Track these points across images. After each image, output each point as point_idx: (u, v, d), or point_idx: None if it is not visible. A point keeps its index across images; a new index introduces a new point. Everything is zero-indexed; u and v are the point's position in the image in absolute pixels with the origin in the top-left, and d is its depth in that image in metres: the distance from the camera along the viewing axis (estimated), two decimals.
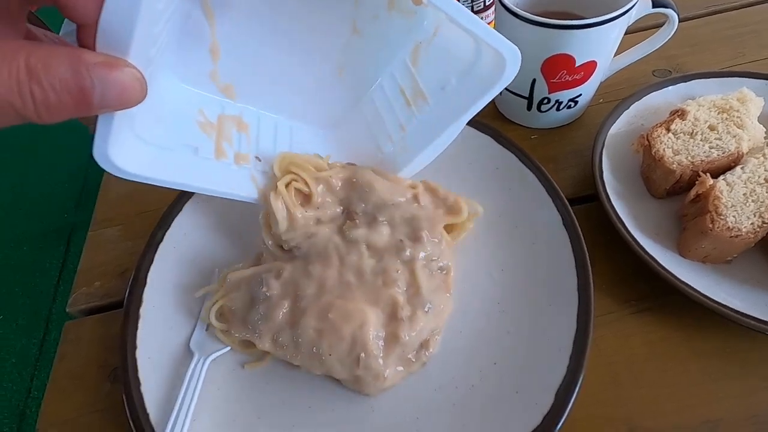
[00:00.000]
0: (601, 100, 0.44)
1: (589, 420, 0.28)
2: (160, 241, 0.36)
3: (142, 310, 0.33)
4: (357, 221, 0.33)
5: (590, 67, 0.36)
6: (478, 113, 0.34)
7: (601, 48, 0.35)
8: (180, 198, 0.38)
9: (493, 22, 0.49)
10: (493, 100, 0.45)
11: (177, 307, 0.34)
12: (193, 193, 0.39)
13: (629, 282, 0.33)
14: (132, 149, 0.26)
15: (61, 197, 1.62)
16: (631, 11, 0.33)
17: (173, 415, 0.28)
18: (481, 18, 0.47)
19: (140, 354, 0.31)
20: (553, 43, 0.34)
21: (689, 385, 0.29)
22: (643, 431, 0.27)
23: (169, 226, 0.37)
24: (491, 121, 0.43)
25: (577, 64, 0.35)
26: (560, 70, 0.36)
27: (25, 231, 1.56)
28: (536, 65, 0.36)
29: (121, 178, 0.46)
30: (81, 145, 1.80)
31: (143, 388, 0.30)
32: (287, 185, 0.33)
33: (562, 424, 0.25)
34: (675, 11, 0.35)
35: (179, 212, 0.38)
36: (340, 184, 0.34)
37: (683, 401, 0.28)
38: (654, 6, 0.34)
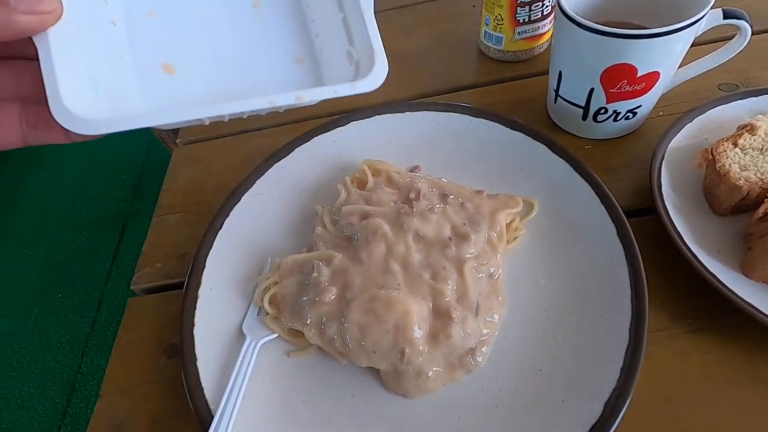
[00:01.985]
0: (661, 113, 0.42)
1: None
2: (219, 228, 0.38)
3: (200, 291, 0.35)
4: (414, 209, 0.34)
5: (653, 78, 0.35)
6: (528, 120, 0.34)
7: (665, 59, 0.34)
8: (238, 190, 0.41)
9: (549, 32, 0.49)
10: (546, 107, 0.45)
11: (231, 290, 0.36)
12: (251, 185, 0.41)
13: (686, 299, 0.32)
14: (90, 92, 0.20)
15: (118, 188, 1.73)
16: (700, 22, 0.32)
17: (226, 392, 0.30)
18: (539, 27, 0.47)
19: (197, 332, 0.33)
20: (615, 52, 0.33)
21: (746, 410, 0.27)
22: None
23: (228, 215, 0.39)
24: (542, 130, 0.43)
25: (638, 75, 0.34)
26: (621, 80, 0.35)
27: (86, 217, 1.67)
28: (595, 74, 0.36)
29: (184, 170, 0.50)
30: (139, 141, 1.92)
31: (199, 364, 0.31)
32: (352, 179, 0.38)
33: None
34: (748, 23, 0.33)
35: (237, 203, 0.40)
36: (402, 181, 0.36)
37: (739, 427, 0.27)
38: (725, 17, 0.33)
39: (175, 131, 1.39)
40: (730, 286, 0.29)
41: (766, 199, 0.30)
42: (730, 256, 0.32)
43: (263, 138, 0.51)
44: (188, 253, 0.42)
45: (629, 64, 0.34)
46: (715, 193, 0.33)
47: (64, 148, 1.90)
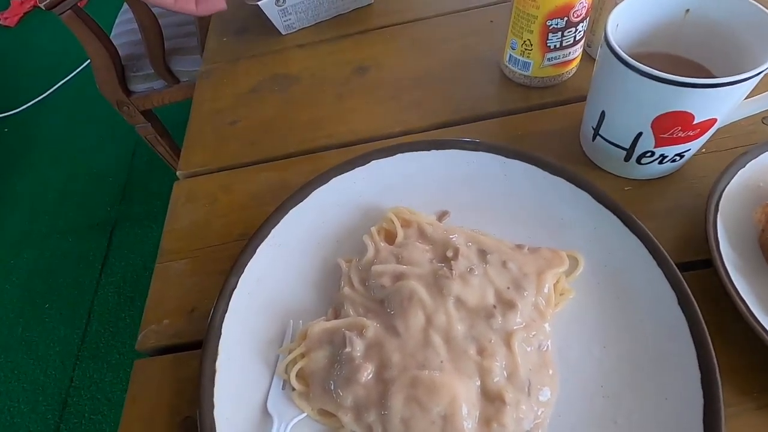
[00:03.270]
0: (704, 150, 0.40)
1: None
2: (234, 287, 0.35)
3: (218, 364, 0.32)
4: (453, 270, 0.31)
5: (709, 124, 0.32)
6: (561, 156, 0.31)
7: (726, 105, 0.31)
8: (253, 241, 0.37)
9: (578, 57, 0.45)
10: (581, 144, 0.42)
11: (252, 360, 0.33)
12: (265, 237, 0.37)
13: (751, 370, 0.30)
14: None
15: (105, 192, 1.67)
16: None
17: None
18: (569, 53, 0.44)
19: (218, 413, 0.30)
20: (672, 100, 0.31)
21: None
22: None
23: (243, 272, 0.36)
24: (577, 167, 0.40)
25: (695, 122, 0.32)
26: (674, 126, 0.32)
27: (72, 223, 1.61)
28: (646, 120, 0.33)
29: (186, 207, 0.46)
30: (124, 142, 1.86)
31: None
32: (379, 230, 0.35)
33: None
34: None
35: (252, 256, 0.37)
36: (436, 235, 0.32)
37: None
38: None
39: (162, 135, 1.32)
40: None
41: None
42: None
43: (269, 172, 0.47)
44: (197, 308, 0.39)
45: (686, 112, 0.31)
46: None
47: (46, 153, 1.82)
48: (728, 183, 0.34)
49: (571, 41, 0.42)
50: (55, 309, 1.45)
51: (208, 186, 0.47)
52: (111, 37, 1.12)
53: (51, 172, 1.78)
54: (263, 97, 0.55)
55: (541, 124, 0.45)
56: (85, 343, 1.37)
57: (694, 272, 0.33)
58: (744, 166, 0.35)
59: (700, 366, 0.27)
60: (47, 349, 1.38)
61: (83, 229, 1.61)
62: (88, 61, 1.10)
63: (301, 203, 0.39)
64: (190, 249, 0.43)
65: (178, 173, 0.49)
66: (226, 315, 0.34)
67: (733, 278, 0.30)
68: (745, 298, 0.30)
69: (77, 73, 2.09)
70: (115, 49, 1.10)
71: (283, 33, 0.61)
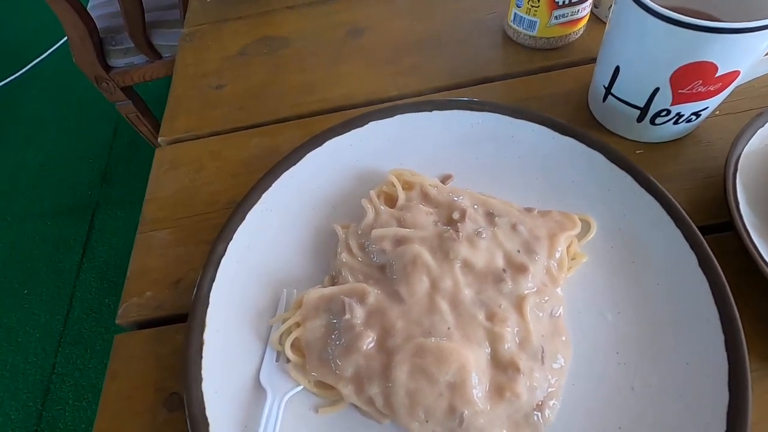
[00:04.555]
0: (717, 112, 0.38)
1: None
2: (223, 254, 0.32)
3: (205, 336, 0.29)
4: (459, 233, 0.29)
5: (731, 77, 0.30)
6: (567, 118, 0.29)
7: (750, 56, 0.29)
8: (242, 206, 0.34)
9: (587, 16, 0.43)
10: (589, 106, 0.40)
11: (243, 331, 0.31)
12: (256, 200, 0.35)
13: None
14: None
15: (85, 174, 1.61)
16: None
17: None
18: (578, 9, 0.41)
19: (207, 388, 0.28)
20: (696, 48, 0.28)
21: None
22: None
23: (232, 237, 0.33)
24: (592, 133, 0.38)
25: (717, 74, 0.30)
26: (695, 80, 0.30)
27: (50, 207, 1.55)
28: (666, 73, 0.31)
29: (169, 174, 0.43)
30: (105, 122, 1.79)
31: (212, 430, 0.26)
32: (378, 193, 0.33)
33: None
34: None
35: (242, 222, 0.34)
36: (441, 197, 0.30)
37: None
38: None
39: (144, 113, 1.27)
40: None
41: None
42: None
43: (261, 137, 0.44)
44: (183, 279, 0.36)
45: (710, 62, 0.29)
46: None
47: (22, 133, 1.75)
48: (747, 143, 0.32)
49: None
50: (35, 295, 1.40)
51: (194, 152, 0.44)
52: (88, 9, 1.07)
53: (28, 153, 1.71)
54: (251, 60, 0.51)
55: (547, 87, 0.43)
56: (67, 329, 1.33)
57: (712, 236, 0.32)
58: (763, 126, 0.33)
59: (723, 329, 0.25)
60: (27, 336, 1.33)
61: (63, 213, 1.56)
62: (66, 37, 1.05)
63: (293, 167, 0.36)
64: (174, 218, 0.40)
65: (160, 139, 0.46)
66: (214, 284, 0.31)
67: (754, 239, 0.29)
68: (766, 258, 0.28)
69: (54, 49, 2.00)
70: (93, 21, 1.05)
71: None
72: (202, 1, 0.60)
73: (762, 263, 0.28)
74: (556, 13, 0.41)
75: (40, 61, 1.98)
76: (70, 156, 1.67)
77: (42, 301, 1.38)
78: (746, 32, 0.27)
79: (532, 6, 0.41)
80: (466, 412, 0.24)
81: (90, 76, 1.13)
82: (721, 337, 0.25)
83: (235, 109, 0.47)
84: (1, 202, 1.60)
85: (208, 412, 0.27)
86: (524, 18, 0.43)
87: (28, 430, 1.17)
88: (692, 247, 0.28)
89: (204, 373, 0.28)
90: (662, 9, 0.28)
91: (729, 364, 0.24)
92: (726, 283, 0.26)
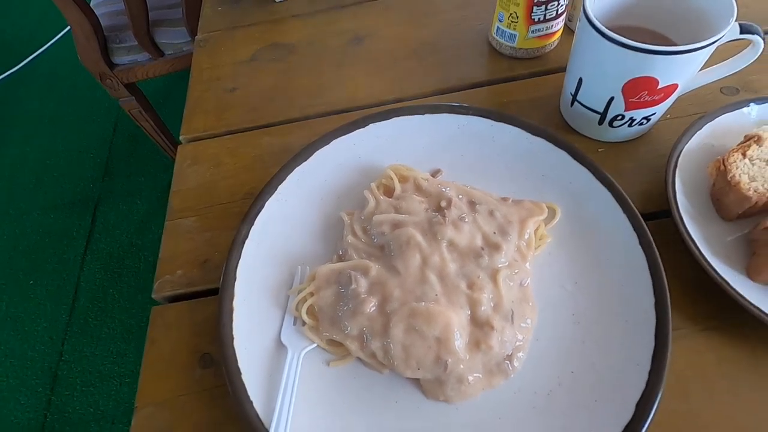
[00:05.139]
0: (669, 116, 0.44)
1: (662, 430, 0.30)
2: (246, 237, 0.38)
3: (234, 303, 0.35)
4: (446, 218, 0.35)
5: (671, 89, 0.37)
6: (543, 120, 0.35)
7: (686, 72, 0.35)
8: (261, 196, 0.40)
9: (560, 30, 0.49)
10: (561, 110, 0.46)
11: (265, 300, 0.36)
12: (273, 191, 0.40)
13: (698, 300, 0.35)
14: None
15: (87, 167, 1.64)
16: (722, 38, 0.33)
17: (278, 404, 0.31)
18: (552, 25, 0.47)
19: (238, 345, 0.33)
20: (640, 65, 0.35)
21: (759, 402, 0.31)
22: None
23: (253, 222, 0.39)
24: (556, 131, 0.44)
25: (659, 87, 0.36)
26: (641, 91, 0.36)
27: (53, 200, 1.59)
28: (618, 85, 0.37)
29: (192, 169, 0.48)
30: (105, 117, 1.81)
31: (244, 377, 0.32)
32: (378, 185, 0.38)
33: None
34: (762, 38, 0.35)
35: (261, 209, 0.40)
36: (431, 188, 0.36)
37: (752, 418, 0.30)
38: (741, 32, 0.35)
39: (146, 110, 1.31)
40: (737, 289, 0.32)
41: None
42: (736, 259, 0.35)
43: (271, 136, 0.50)
44: (210, 259, 0.42)
45: (652, 77, 0.35)
46: (724, 201, 0.36)
47: (23, 127, 1.77)
48: (687, 143, 0.39)
49: (554, 14, 0.46)
50: (41, 285, 1.44)
51: (213, 149, 0.50)
52: (92, 6, 1.10)
53: (29, 147, 1.73)
54: (262, 65, 0.57)
55: (525, 92, 0.49)
56: (73, 319, 1.37)
57: (656, 221, 0.38)
58: (701, 128, 0.39)
59: (654, 293, 0.32)
60: (34, 325, 1.37)
61: (65, 206, 1.59)
62: (68, 28, 1.08)
63: (304, 162, 0.42)
64: (198, 207, 0.46)
65: (181, 137, 0.52)
66: (240, 261, 0.37)
67: (686, 224, 0.35)
68: (696, 241, 0.35)
69: (53, 43, 2.01)
70: (97, 18, 1.08)
71: (277, 0, 0.62)
72: (213, 8, 0.65)
73: (690, 242, 0.34)
74: (533, 27, 0.47)
75: (39, 54, 1.99)
76: (71, 150, 1.70)
77: (48, 292, 1.42)
78: (679, 54, 0.33)
79: (512, 21, 0.47)
80: (450, 360, 0.31)
81: (94, 74, 1.16)
82: (652, 299, 0.31)
83: (247, 110, 0.53)
84: (4, 195, 1.63)
85: (240, 364, 0.33)
86: (505, 31, 0.49)
87: (38, 414, 1.21)
88: (634, 229, 0.34)
89: (234, 333, 0.34)
90: (613, 34, 0.34)
91: (656, 319, 0.31)
92: (659, 258, 0.33)
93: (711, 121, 0.40)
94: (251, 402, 0.31)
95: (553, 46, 0.51)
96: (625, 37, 0.34)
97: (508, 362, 0.32)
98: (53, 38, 2.00)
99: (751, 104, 0.40)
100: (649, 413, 0.28)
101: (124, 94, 1.23)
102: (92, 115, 1.78)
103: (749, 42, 0.36)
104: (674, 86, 0.36)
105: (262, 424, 0.30)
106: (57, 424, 1.18)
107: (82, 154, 1.69)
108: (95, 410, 1.17)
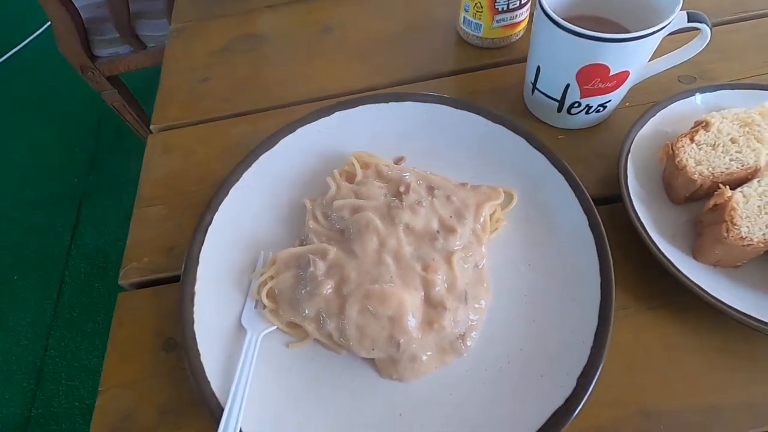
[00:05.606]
0: (627, 104, 0.45)
1: (606, 402, 0.31)
2: (209, 223, 0.39)
3: (196, 287, 0.36)
4: (403, 202, 0.36)
5: (623, 76, 0.38)
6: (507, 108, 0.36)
7: (635, 59, 0.36)
8: (225, 183, 0.41)
9: (525, 20, 0.50)
10: (524, 99, 0.47)
11: (227, 285, 0.37)
12: (238, 179, 0.41)
13: (646, 280, 0.36)
14: None
15: (72, 162, 1.63)
16: (669, 26, 0.34)
17: (234, 384, 0.31)
18: (516, 15, 0.48)
19: (198, 328, 0.34)
20: (591, 53, 0.35)
21: (697, 375, 0.32)
22: (654, 413, 0.31)
23: (217, 209, 0.40)
24: (520, 120, 0.45)
25: (611, 74, 0.37)
26: (594, 78, 0.37)
27: (37, 195, 1.58)
28: (572, 72, 0.38)
29: (162, 158, 0.48)
30: (89, 111, 1.80)
31: (203, 359, 0.33)
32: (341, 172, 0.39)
33: (583, 405, 0.28)
34: (709, 27, 0.36)
35: (225, 196, 0.40)
36: (391, 174, 0.37)
37: (691, 388, 0.32)
38: (689, 20, 0.36)
39: (130, 103, 1.30)
40: (682, 269, 0.33)
41: (715, 192, 0.34)
42: (683, 241, 0.36)
43: (242, 125, 0.51)
44: (176, 246, 0.43)
45: (603, 65, 0.36)
46: (673, 184, 0.37)
47: (7, 122, 1.76)
48: (640, 130, 0.40)
49: (518, 4, 0.47)
50: (25, 280, 1.43)
51: (184, 138, 0.50)
52: None
53: (12, 141, 1.72)
54: (235, 55, 0.57)
55: (492, 81, 0.50)
56: (57, 313, 1.37)
57: (609, 206, 0.39)
58: (654, 116, 0.40)
59: (600, 273, 0.33)
60: (18, 320, 1.37)
61: (50, 201, 1.58)
62: (49, 23, 1.07)
63: (270, 150, 0.42)
64: (167, 196, 0.46)
65: (152, 127, 0.52)
66: (203, 247, 0.38)
67: (636, 208, 0.36)
68: (645, 224, 0.36)
69: (36, 36, 1.98)
70: (77, 10, 1.07)
71: None
72: None
73: (638, 224, 0.35)
74: (498, 17, 0.48)
75: (21, 48, 1.97)
76: (55, 145, 1.69)
77: (32, 287, 1.41)
78: (627, 41, 0.34)
79: (477, 11, 0.48)
80: (403, 339, 0.32)
81: (75, 66, 1.16)
82: (598, 278, 0.32)
83: (220, 99, 0.53)
84: None
85: (199, 346, 0.33)
86: (471, 21, 0.49)
87: (23, 409, 1.21)
88: (584, 212, 0.35)
89: (195, 316, 0.35)
90: (565, 22, 0.35)
91: (600, 298, 0.32)
92: (605, 239, 0.34)
93: (664, 108, 0.41)
94: (208, 382, 0.32)
95: (519, 36, 0.52)
96: (579, 26, 0.35)
97: (461, 341, 0.33)
98: (36, 31, 1.97)
99: (697, 93, 0.41)
100: (589, 386, 0.29)
101: (106, 87, 1.22)
102: (77, 109, 1.76)
103: (699, 31, 0.37)
104: (625, 73, 0.37)
105: (219, 402, 0.31)
106: (42, 419, 1.18)
107: (66, 148, 1.68)
108: (80, 404, 1.17)
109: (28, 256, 1.47)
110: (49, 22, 1.88)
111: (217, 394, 0.31)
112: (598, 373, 0.29)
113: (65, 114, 1.75)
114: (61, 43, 1.10)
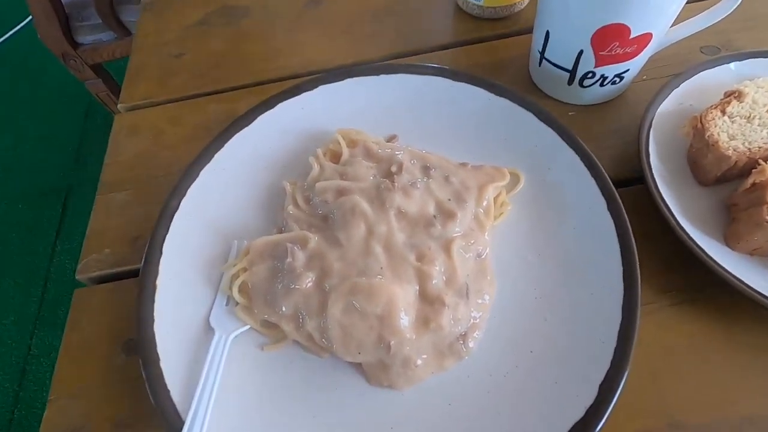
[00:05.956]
0: (645, 77, 0.41)
1: (628, 413, 0.27)
2: (176, 209, 0.34)
3: (158, 281, 0.31)
4: (395, 184, 0.31)
5: (645, 39, 0.33)
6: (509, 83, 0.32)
7: (659, 19, 0.32)
8: (195, 164, 0.36)
9: None
10: (530, 72, 0.43)
11: (194, 279, 0.33)
12: (209, 160, 0.36)
13: (670, 272, 0.32)
14: None
15: (57, 156, 1.58)
16: None
17: (197, 394, 0.27)
18: None
19: (158, 328, 0.30)
20: (610, 11, 0.31)
21: (730, 380, 0.28)
22: (683, 425, 0.27)
23: (185, 194, 0.35)
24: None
25: (631, 36, 0.32)
26: (613, 41, 0.33)
27: (22, 190, 1.53)
28: (586, 35, 0.33)
29: (129, 140, 0.44)
30: (76, 104, 1.75)
31: (163, 364, 0.28)
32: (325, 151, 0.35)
33: (607, 417, 0.24)
34: None
35: (195, 179, 0.36)
36: (381, 153, 0.32)
37: (724, 396, 0.28)
38: None
39: (115, 92, 1.26)
40: (716, 258, 0.29)
41: (753, 170, 0.30)
42: (714, 226, 0.31)
43: (218, 103, 0.46)
44: (141, 236, 0.38)
45: (623, 24, 0.31)
46: (701, 163, 0.32)
47: None
48: (662, 102, 0.35)
49: None
50: (9, 277, 1.39)
51: (153, 118, 0.45)
52: None
53: None
54: (211, 29, 0.52)
55: (492, 54, 0.45)
56: (42, 311, 1.33)
57: (629, 188, 0.35)
58: (678, 87, 0.36)
59: (623, 262, 0.28)
60: (1, 319, 1.32)
61: (35, 196, 1.53)
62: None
63: (245, 128, 0.38)
64: (133, 180, 0.42)
65: (119, 106, 0.47)
66: (167, 236, 0.33)
67: (661, 190, 0.32)
68: (671, 208, 0.31)
69: (21, 27, 1.93)
70: None
71: None
72: None
73: (663, 207, 0.31)
74: None
75: (5, 39, 1.91)
76: (41, 138, 1.64)
77: (16, 284, 1.37)
78: None
79: None
80: (393, 341, 0.27)
81: (57, 54, 1.11)
82: (620, 269, 0.28)
83: (194, 76, 0.48)
84: None
85: (159, 349, 0.29)
86: None
87: (5, 411, 1.17)
88: (603, 194, 0.31)
89: (156, 315, 0.30)
90: None
91: (624, 291, 0.27)
92: (628, 223, 0.29)
93: (688, 79, 0.36)
94: (168, 390, 0.27)
95: (524, 6, 0.47)
96: None
97: (461, 342, 0.28)
98: (20, 23, 1.92)
99: (732, 62, 0.36)
100: (614, 395, 0.24)
101: (90, 76, 1.17)
102: (63, 102, 1.71)
103: None
104: (648, 36, 0.33)
105: (179, 414, 0.26)
106: (25, 421, 1.14)
107: (51, 141, 1.63)
108: None
109: (12, 253, 1.43)
110: (30, 16, 1.83)
111: (178, 405, 0.27)
112: (623, 380, 0.25)
113: (51, 108, 1.70)
114: (41, 28, 1.05)
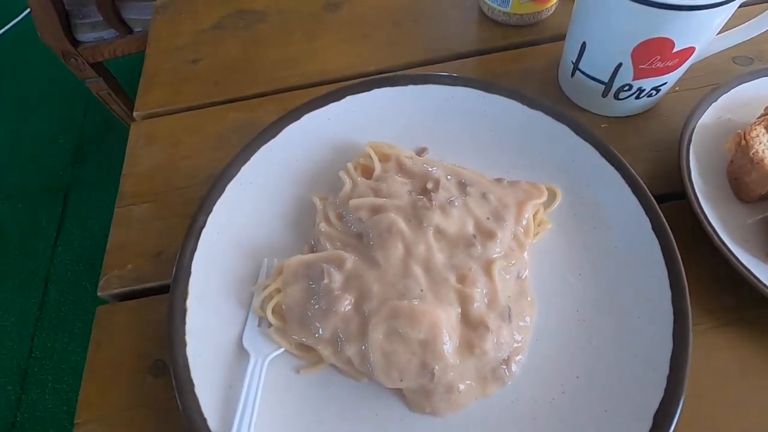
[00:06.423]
0: (678, 88, 0.40)
1: None
2: (203, 226, 0.33)
3: (188, 303, 0.30)
4: (432, 201, 0.30)
5: (687, 53, 0.32)
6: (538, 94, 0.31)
7: (705, 33, 0.31)
8: (221, 179, 0.35)
9: None
10: (559, 82, 0.42)
11: (225, 299, 0.32)
12: (236, 173, 0.35)
13: (715, 292, 0.31)
14: None
15: (56, 154, 1.56)
16: None
17: (236, 422, 0.26)
18: None
19: (191, 352, 0.29)
20: (655, 25, 0.30)
21: None
22: None
23: (212, 210, 0.34)
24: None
25: (674, 50, 0.31)
26: (654, 55, 0.32)
27: (20, 188, 1.50)
28: (627, 49, 0.32)
29: (146, 149, 0.43)
30: (75, 101, 1.72)
31: (198, 390, 0.27)
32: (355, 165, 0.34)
33: None
34: None
35: (221, 194, 0.34)
36: (415, 168, 0.31)
37: None
38: None
39: (116, 91, 1.24)
40: (762, 279, 0.28)
41: None
42: (756, 245, 0.31)
43: (237, 112, 0.45)
44: (164, 251, 0.37)
45: (667, 38, 0.31)
46: (745, 180, 0.32)
47: None
48: (701, 116, 0.35)
49: None
50: (8, 278, 1.37)
51: (169, 127, 0.44)
52: None
53: None
54: (227, 34, 0.51)
55: (519, 63, 0.44)
56: (43, 313, 1.31)
57: (667, 204, 0.34)
58: (716, 100, 0.35)
59: (671, 286, 0.28)
60: (2, 320, 1.31)
61: (34, 195, 1.51)
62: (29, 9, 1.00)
63: (272, 140, 0.37)
64: (152, 192, 0.40)
65: (135, 114, 0.46)
66: (196, 254, 0.32)
67: (703, 206, 0.31)
68: (714, 225, 0.31)
69: (17, 22, 1.89)
70: None
71: None
72: None
73: (708, 226, 0.30)
74: None
75: (1, 34, 1.87)
76: (40, 136, 1.61)
77: (16, 285, 1.35)
78: (700, 9, 0.29)
79: None
80: (437, 367, 0.26)
81: (57, 52, 1.08)
82: (668, 293, 0.27)
83: (210, 83, 0.47)
84: None
85: (193, 375, 0.28)
86: None
87: (7, 414, 1.15)
88: (647, 212, 0.30)
89: (188, 338, 0.29)
90: None
91: (674, 316, 0.27)
92: (675, 244, 0.29)
93: (727, 92, 0.35)
94: (205, 419, 0.26)
95: (551, 12, 0.46)
96: None
97: (504, 367, 0.28)
98: (16, 17, 1.88)
99: None
100: (670, 425, 0.24)
101: (90, 75, 1.15)
102: (62, 100, 1.68)
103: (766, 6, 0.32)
104: (691, 50, 0.32)
105: None
106: (27, 424, 1.13)
107: (50, 139, 1.61)
108: (68, 409, 1.11)
109: (12, 253, 1.41)
110: (28, 10, 1.79)
111: None
112: (679, 409, 0.24)
113: (49, 105, 1.68)
114: (41, 26, 1.03)
